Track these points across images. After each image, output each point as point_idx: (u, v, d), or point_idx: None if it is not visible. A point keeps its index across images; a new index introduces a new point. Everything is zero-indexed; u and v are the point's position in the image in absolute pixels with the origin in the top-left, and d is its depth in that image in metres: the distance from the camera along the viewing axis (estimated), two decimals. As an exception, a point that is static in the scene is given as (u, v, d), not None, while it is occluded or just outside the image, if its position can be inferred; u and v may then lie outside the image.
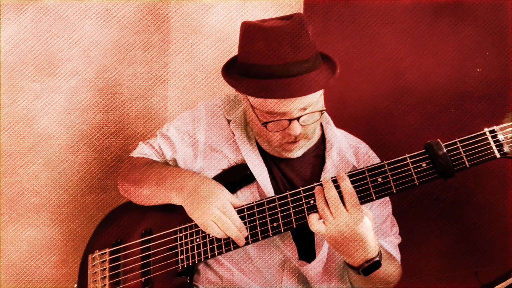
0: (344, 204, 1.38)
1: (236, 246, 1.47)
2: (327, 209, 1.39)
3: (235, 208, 1.49)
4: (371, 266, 1.41)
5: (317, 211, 1.41)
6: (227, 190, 1.51)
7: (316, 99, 1.47)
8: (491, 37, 1.95)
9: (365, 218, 1.38)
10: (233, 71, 1.53)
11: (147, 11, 1.97)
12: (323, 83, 1.46)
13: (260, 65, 1.44)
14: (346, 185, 1.38)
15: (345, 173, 1.40)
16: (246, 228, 1.47)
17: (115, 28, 1.96)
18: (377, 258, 1.41)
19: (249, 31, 1.46)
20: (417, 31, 1.96)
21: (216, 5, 1.97)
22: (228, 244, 1.48)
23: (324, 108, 1.49)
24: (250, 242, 1.46)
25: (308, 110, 1.46)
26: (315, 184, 1.43)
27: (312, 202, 1.43)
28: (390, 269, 1.51)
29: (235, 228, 1.46)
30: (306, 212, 1.43)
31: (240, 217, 1.48)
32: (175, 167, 1.61)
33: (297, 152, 1.56)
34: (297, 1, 1.99)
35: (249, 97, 1.49)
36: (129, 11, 1.96)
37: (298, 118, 1.46)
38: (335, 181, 1.40)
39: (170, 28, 1.98)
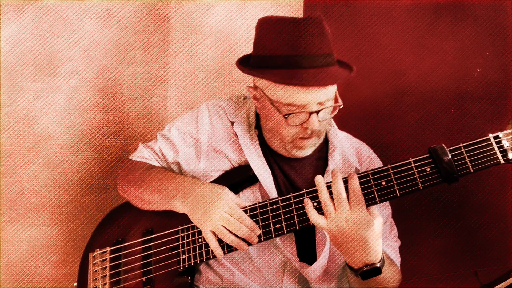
0: (348, 202, 1.38)
1: (239, 247, 1.48)
2: (330, 202, 1.38)
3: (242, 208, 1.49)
4: (371, 271, 1.39)
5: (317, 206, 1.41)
6: (230, 191, 1.51)
7: (333, 95, 1.49)
8: (491, 37, 1.95)
9: (373, 222, 1.36)
10: (247, 67, 1.55)
11: (147, 11, 1.97)
12: (346, 75, 1.50)
13: (287, 55, 1.45)
14: (354, 183, 1.38)
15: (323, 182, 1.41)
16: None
17: (115, 28, 1.96)
18: (378, 264, 1.39)
19: (273, 23, 1.47)
20: (417, 31, 1.96)
21: (216, 5, 1.97)
22: (230, 245, 1.48)
23: (341, 103, 1.51)
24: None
25: (326, 104, 1.48)
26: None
27: (315, 204, 1.43)
28: (390, 275, 1.49)
29: (245, 227, 1.45)
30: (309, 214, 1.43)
31: None
32: (176, 173, 1.60)
33: (308, 150, 1.56)
34: (297, 1, 1.99)
35: (268, 91, 1.49)
36: (129, 11, 1.96)
37: (317, 112, 1.47)
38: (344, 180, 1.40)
39: (170, 28, 1.98)
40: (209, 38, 1.99)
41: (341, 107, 1.51)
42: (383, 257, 1.42)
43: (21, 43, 1.93)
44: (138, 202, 1.60)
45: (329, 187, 1.41)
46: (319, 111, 1.47)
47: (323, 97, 1.46)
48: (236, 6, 1.97)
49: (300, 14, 2.00)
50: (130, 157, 1.71)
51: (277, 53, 1.46)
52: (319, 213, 1.41)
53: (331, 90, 1.48)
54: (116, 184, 1.70)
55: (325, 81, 1.45)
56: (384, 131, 1.97)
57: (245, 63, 1.57)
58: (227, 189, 1.51)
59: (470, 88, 1.97)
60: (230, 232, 1.45)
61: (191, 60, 1.99)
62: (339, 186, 1.38)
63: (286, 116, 1.47)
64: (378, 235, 1.38)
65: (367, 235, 1.36)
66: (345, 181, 1.40)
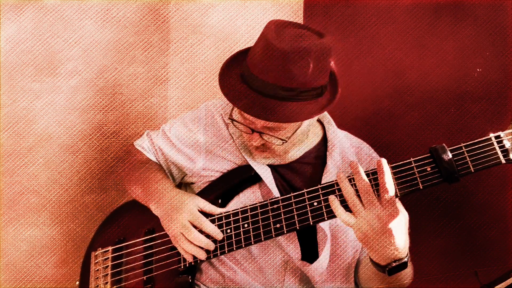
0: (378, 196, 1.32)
1: (239, 246, 1.48)
2: (357, 200, 1.33)
3: (216, 215, 1.50)
4: (398, 266, 1.35)
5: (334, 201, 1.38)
6: (200, 199, 1.53)
7: (286, 125, 1.45)
8: (491, 37, 1.95)
9: (401, 215, 1.32)
10: (242, 62, 1.51)
11: (147, 11, 1.97)
12: (289, 118, 1.42)
13: (248, 70, 1.44)
14: (387, 178, 1.32)
15: (347, 176, 1.37)
16: (247, 231, 1.48)
17: (115, 28, 1.96)
18: (405, 259, 1.35)
19: (263, 35, 1.44)
20: (417, 31, 1.96)
21: (216, 5, 1.97)
22: (231, 244, 1.48)
23: (286, 140, 1.47)
24: (253, 243, 1.47)
25: (273, 132, 1.46)
26: (319, 186, 1.42)
27: (315, 204, 1.42)
28: (410, 269, 1.48)
29: (201, 237, 1.47)
30: (309, 214, 1.43)
31: (243, 218, 1.48)
32: (161, 176, 1.62)
33: (262, 160, 1.55)
34: (297, 1, 1.99)
35: None
36: (129, 11, 1.96)
37: (260, 133, 1.46)
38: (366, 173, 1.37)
39: (170, 28, 1.98)
40: (209, 38, 1.99)
41: (285, 142, 1.47)
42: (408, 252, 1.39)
43: (21, 43, 1.93)
44: (131, 194, 1.65)
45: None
46: (262, 133, 1.46)
47: (270, 125, 1.44)
48: (236, 6, 1.97)
49: (300, 14, 2.00)
50: (134, 142, 1.75)
51: (248, 64, 1.44)
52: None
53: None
54: (120, 176, 1.75)
55: (259, 114, 1.40)
56: (384, 131, 1.97)
57: (241, 57, 1.54)
58: (196, 197, 1.53)
59: (470, 88, 1.97)
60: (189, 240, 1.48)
61: (191, 60, 1.99)
62: (365, 182, 1.33)
63: (230, 120, 1.49)
64: (407, 229, 1.35)
65: (399, 231, 1.32)
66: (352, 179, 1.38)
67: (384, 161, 1.33)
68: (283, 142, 1.48)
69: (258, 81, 1.41)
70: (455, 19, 1.95)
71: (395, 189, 1.36)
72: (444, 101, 1.97)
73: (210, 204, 1.52)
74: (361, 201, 1.33)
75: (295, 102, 1.41)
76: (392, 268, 1.35)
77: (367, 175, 1.36)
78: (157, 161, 1.69)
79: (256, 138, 1.48)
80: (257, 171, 1.55)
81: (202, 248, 1.49)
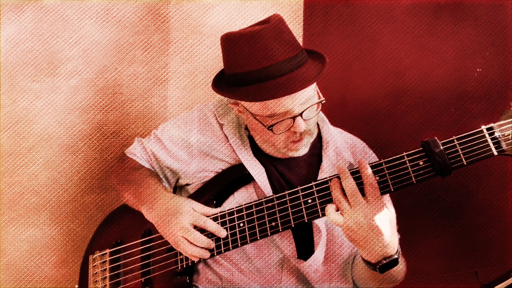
0: (364, 194, 1.36)
1: (236, 246, 1.48)
2: (344, 199, 1.36)
3: (212, 215, 1.51)
4: (389, 263, 1.37)
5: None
6: (194, 202, 1.53)
7: (312, 92, 1.47)
8: (491, 37, 1.95)
9: (386, 211, 1.35)
10: (223, 85, 1.53)
11: (147, 11, 1.97)
12: (317, 74, 1.46)
13: (253, 70, 1.44)
14: (369, 173, 1.36)
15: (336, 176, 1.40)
16: (247, 230, 1.48)
17: (115, 28, 1.96)
18: (396, 256, 1.37)
19: (232, 40, 1.46)
20: (417, 31, 1.96)
21: (216, 5, 1.97)
22: (227, 244, 1.48)
23: (323, 99, 1.49)
24: (249, 242, 1.47)
25: (308, 104, 1.46)
26: (313, 183, 1.43)
27: (310, 201, 1.43)
28: (402, 266, 1.49)
29: (204, 238, 1.48)
30: (304, 212, 1.43)
31: (238, 217, 1.48)
32: (153, 181, 1.62)
33: (303, 149, 1.56)
34: (297, 1, 1.99)
35: (248, 106, 1.49)
36: (129, 11, 1.96)
37: (300, 114, 1.46)
38: (353, 173, 1.39)
39: (170, 28, 1.98)
40: (209, 38, 1.99)
41: (323, 102, 1.49)
42: (398, 248, 1.41)
43: (21, 43, 1.93)
44: (122, 198, 1.66)
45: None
46: (302, 112, 1.46)
47: (302, 98, 1.45)
48: (236, 6, 1.97)
49: (300, 14, 2.00)
50: (125, 151, 1.74)
51: (244, 70, 1.45)
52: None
53: (310, 88, 1.46)
54: (112, 183, 1.74)
55: (297, 87, 1.42)
56: (384, 131, 1.97)
57: (220, 82, 1.56)
58: (190, 200, 1.53)
59: (470, 88, 1.97)
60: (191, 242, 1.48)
61: (191, 60, 1.99)
62: (350, 182, 1.36)
63: (270, 128, 1.48)
64: (394, 226, 1.38)
65: (386, 227, 1.34)
66: (354, 172, 1.39)
67: (365, 161, 1.37)
68: (322, 102, 1.49)
69: (272, 68, 1.43)
70: (455, 19, 1.95)
71: (389, 184, 1.38)
72: (444, 101, 1.97)
73: (204, 206, 1.53)
74: (348, 201, 1.35)
75: (303, 65, 1.46)
76: (383, 266, 1.37)
77: (353, 173, 1.39)
78: (150, 167, 1.69)
79: (300, 122, 1.47)
80: (250, 171, 1.55)
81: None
